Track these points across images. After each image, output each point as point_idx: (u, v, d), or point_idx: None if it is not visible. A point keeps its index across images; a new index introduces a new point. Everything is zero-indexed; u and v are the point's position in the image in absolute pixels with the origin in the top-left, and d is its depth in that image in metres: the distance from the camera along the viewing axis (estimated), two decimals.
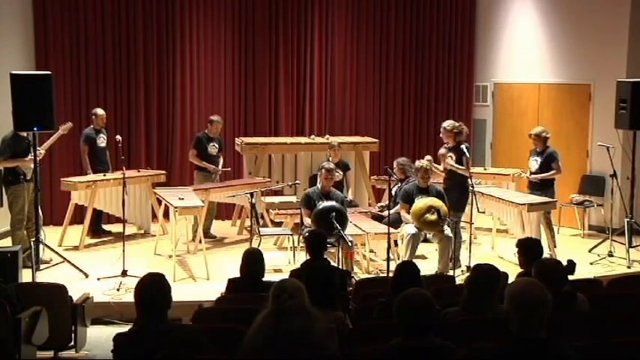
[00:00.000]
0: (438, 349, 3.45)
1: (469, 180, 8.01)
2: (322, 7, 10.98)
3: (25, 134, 7.81)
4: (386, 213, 8.55)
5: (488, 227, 9.37)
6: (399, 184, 8.67)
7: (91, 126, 9.40)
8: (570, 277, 4.91)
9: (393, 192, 8.51)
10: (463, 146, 8.25)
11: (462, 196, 8.22)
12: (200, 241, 8.13)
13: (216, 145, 9.53)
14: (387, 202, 9.24)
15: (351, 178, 9.61)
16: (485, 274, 4.53)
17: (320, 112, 11.11)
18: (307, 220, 7.77)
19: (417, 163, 8.24)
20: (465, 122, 11.32)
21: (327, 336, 3.42)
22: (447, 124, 8.50)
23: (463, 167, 8.23)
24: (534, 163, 8.88)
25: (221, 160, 9.61)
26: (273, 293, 3.45)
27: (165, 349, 3.53)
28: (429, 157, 8.81)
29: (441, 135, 8.50)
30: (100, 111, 9.43)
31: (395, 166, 8.78)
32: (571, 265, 5.00)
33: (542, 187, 8.75)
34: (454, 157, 8.26)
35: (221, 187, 9.38)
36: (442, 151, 8.65)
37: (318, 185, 8.17)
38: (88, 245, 8.97)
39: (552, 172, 8.76)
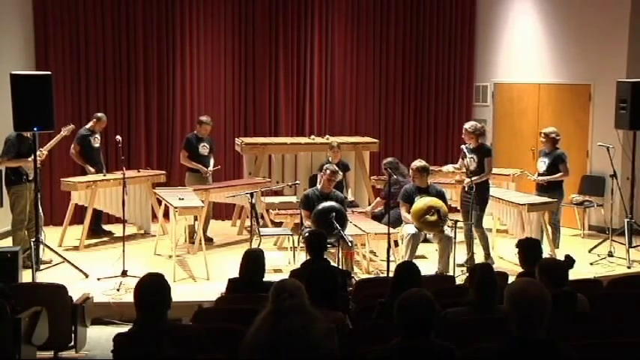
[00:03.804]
0: (438, 349, 3.45)
1: (490, 180, 8.32)
2: (322, 7, 10.98)
3: (28, 134, 7.82)
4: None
5: (488, 227, 9.34)
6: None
7: (86, 126, 9.38)
8: (570, 276, 4.92)
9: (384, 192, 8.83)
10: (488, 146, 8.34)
11: (483, 195, 8.12)
12: (200, 242, 8.12)
13: (207, 145, 9.45)
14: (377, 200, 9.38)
15: (350, 179, 9.61)
16: (490, 273, 4.56)
17: (320, 112, 11.11)
18: (307, 222, 7.77)
19: (413, 164, 8.24)
20: (464, 122, 11.38)
21: (327, 336, 3.41)
22: (469, 125, 8.26)
23: (485, 174, 8.05)
24: (542, 164, 8.87)
25: (212, 161, 9.54)
26: (272, 293, 3.45)
27: (166, 349, 3.53)
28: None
29: (463, 136, 8.29)
30: (104, 117, 9.43)
31: (383, 167, 9.01)
32: (569, 260, 5.01)
33: (549, 188, 8.74)
34: (476, 159, 8.04)
35: (221, 187, 9.38)
36: (452, 165, 8.63)
37: (318, 186, 8.16)
38: (88, 245, 8.96)
39: (559, 174, 8.75)
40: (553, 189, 8.74)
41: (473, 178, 7.90)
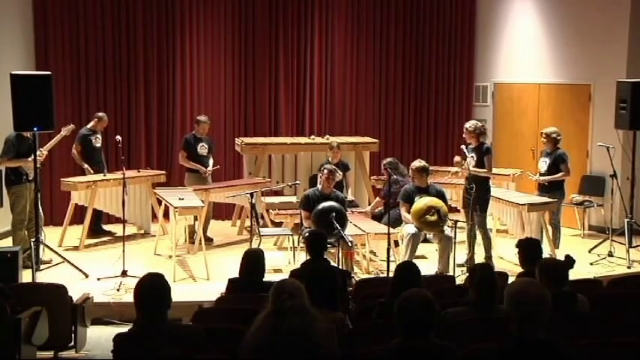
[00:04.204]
0: (438, 349, 3.45)
1: (491, 180, 8.20)
2: (322, 7, 10.98)
3: (27, 134, 7.83)
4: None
5: (488, 227, 9.34)
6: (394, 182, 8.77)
7: (87, 126, 9.39)
8: (570, 276, 4.92)
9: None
10: (487, 145, 8.15)
11: (484, 196, 8.07)
12: (200, 242, 8.12)
13: (206, 146, 9.42)
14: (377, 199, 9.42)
15: (350, 179, 9.61)
16: (490, 273, 4.57)
17: (320, 112, 11.11)
18: (306, 222, 7.77)
19: (413, 164, 8.24)
20: (464, 122, 11.36)
21: (327, 336, 3.42)
22: (470, 124, 8.20)
23: (484, 169, 7.98)
24: (543, 164, 8.86)
25: (211, 161, 9.51)
26: (272, 293, 3.45)
27: (165, 349, 3.53)
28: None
29: (464, 135, 8.25)
30: (105, 117, 9.44)
31: (382, 167, 9.04)
32: (569, 260, 5.01)
33: (550, 188, 8.74)
34: (475, 158, 8.01)
35: (221, 187, 9.37)
36: (457, 158, 8.61)
37: (319, 187, 8.15)
38: (88, 245, 8.96)
39: (561, 174, 8.75)
40: (554, 189, 8.74)
41: (471, 167, 7.91)
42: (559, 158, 8.77)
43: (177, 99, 10.56)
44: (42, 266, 7.75)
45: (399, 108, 11.42)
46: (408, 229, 7.82)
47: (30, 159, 7.78)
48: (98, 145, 9.39)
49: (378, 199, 9.28)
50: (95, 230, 9.38)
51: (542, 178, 8.84)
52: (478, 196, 7.86)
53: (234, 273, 5.58)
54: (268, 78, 10.89)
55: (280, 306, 3.34)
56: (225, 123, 10.79)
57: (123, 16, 10.27)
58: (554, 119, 10.22)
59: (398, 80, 11.35)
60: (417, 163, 8.19)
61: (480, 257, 8.08)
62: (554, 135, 8.84)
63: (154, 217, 9.55)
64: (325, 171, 8.04)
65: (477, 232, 8.11)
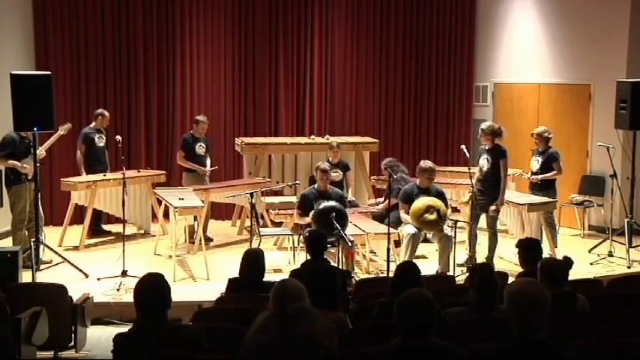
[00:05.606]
0: (438, 349, 3.45)
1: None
2: (322, 7, 10.98)
3: (25, 134, 7.82)
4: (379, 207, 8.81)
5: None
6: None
7: (91, 125, 9.40)
8: (570, 276, 4.93)
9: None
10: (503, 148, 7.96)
11: (497, 197, 8.00)
12: (200, 242, 8.12)
13: (204, 145, 9.41)
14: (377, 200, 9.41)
15: (351, 179, 9.61)
16: (490, 273, 4.58)
17: (320, 112, 11.11)
18: (300, 221, 7.77)
19: (422, 164, 8.20)
20: (465, 122, 11.42)
21: (327, 336, 3.41)
22: (485, 125, 8.07)
23: (502, 180, 7.81)
24: (535, 163, 8.86)
25: (208, 161, 9.51)
26: (276, 296, 3.44)
27: (166, 349, 3.53)
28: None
29: (479, 137, 8.15)
30: (107, 113, 9.45)
31: (382, 167, 9.02)
32: (568, 261, 5.01)
33: (542, 187, 8.73)
34: (490, 160, 7.89)
35: (221, 187, 9.37)
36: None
37: (315, 186, 8.15)
38: (88, 245, 8.96)
39: (553, 172, 8.75)
40: (547, 188, 8.73)
41: (485, 168, 7.85)
42: (551, 157, 8.76)
43: (177, 99, 10.56)
44: (42, 266, 7.75)
45: (399, 108, 11.41)
46: (408, 229, 7.82)
47: (21, 164, 7.77)
48: (101, 144, 9.38)
49: (385, 201, 8.99)
50: (95, 230, 9.38)
51: (534, 176, 8.83)
52: (492, 197, 7.85)
53: (234, 273, 5.58)
54: (268, 78, 10.89)
55: (285, 309, 3.34)
56: (225, 123, 10.80)
57: (123, 16, 10.28)
58: (554, 119, 10.22)
59: (398, 80, 11.35)
60: (428, 163, 8.15)
61: (480, 257, 8.08)
62: (545, 134, 8.83)
63: (154, 217, 9.55)
64: (318, 171, 8.07)
65: (479, 232, 8.09)
